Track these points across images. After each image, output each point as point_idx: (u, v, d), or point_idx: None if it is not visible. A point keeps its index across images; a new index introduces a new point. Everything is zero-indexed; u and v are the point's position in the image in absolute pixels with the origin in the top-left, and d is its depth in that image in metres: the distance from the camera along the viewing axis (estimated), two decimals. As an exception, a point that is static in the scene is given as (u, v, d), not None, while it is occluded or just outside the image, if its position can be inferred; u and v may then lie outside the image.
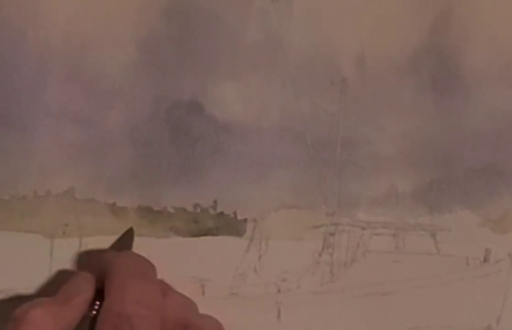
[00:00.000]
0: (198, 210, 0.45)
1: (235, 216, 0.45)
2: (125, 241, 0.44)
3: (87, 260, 0.44)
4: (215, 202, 0.45)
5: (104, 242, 0.44)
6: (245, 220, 0.45)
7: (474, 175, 0.46)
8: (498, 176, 0.47)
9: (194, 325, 0.38)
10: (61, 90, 0.43)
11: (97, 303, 0.39)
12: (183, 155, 0.44)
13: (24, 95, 0.42)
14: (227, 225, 0.45)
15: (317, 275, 0.45)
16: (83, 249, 0.44)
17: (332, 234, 0.46)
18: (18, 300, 0.43)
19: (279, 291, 0.45)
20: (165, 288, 0.40)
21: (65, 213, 0.44)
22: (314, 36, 0.44)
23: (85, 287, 0.39)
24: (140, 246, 0.44)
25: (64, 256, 0.44)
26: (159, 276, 0.44)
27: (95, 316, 0.39)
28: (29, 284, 0.44)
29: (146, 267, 0.40)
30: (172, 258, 0.45)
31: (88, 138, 0.43)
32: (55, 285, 0.42)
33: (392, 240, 0.46)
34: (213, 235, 0.45)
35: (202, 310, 0.40)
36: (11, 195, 0.43)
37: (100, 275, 0.39)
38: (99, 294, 0.39)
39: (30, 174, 0.43)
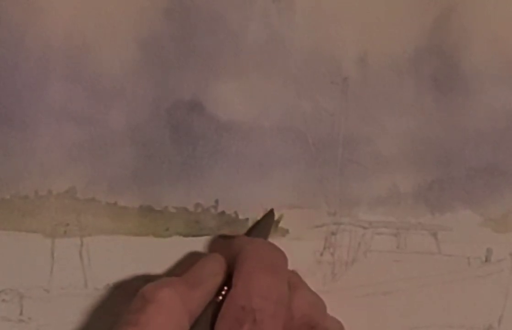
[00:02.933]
0: (199, 209, 0.45)
1: (237, 216, 0.45)
2: (265, 224, 0.44)
3: (220, 243, 0.43)
4: (216, 201, 0.45)
5: (105, 241, 0.44)
6: (247, 220, 0.45)
7: (475, 175, 0.46)
8: (500, 176, 0.47)
9: (321, 326, 0.38)
10: (62, 89, 0.43)
11: (225, 288, 0.39)
12: (184, 155, 0.44)
13: (25, 94, 0.42)
14: (229, 224, 0.45)
15: (319, 275, 0.45)
16: (84, 249, 0.44)
17: (334, 234, 0.46)
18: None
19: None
20: (295, 282, 0.39)
21: (66, 213, 0.44)
22: (315, 35, 0.44)
23: (216, 271, 0.39)
24: (141, 245, 0.44)
25: (65, 255, 0.44)
26: (161, 276, 0.44)
27: (221, 302, 0.38)
28: (30, 284, 0.44)
29: (277, 259, 0.39)
30: (173, 258, 0.45)
31: (89, 138, 0.43)
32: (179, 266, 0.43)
33: (393, 240, 0.46)
34: (214, 234, 0.45)
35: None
36: (12, 194, 0.43)
37: (231, 260, 0.39)
38: (228, 279, 0.39)
39: (31, 173, 0.43)
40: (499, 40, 0.46)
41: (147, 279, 0.44)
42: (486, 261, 0.47)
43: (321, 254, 0.46)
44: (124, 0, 0.43)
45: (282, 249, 0.44)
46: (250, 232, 0.45)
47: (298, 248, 0.45)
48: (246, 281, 0.37)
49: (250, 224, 0.45)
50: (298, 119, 0.45)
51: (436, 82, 0.46)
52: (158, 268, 0.44)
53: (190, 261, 0.43)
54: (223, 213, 0.45)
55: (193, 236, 0.45)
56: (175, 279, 0.38)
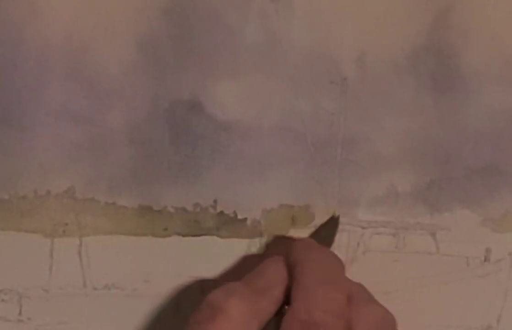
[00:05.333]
0: (198, 209, 0.45)
1: (235, 216, 0.45)
2: (328, 229, 0.44)
3: (277, 247, 0.43)
4: (215, 201, 0.45)
5: (104, 241, 0.44)
6: (245, 219, 0.45)
7: (474, 174, 0.46)
8: (498, 175, 0.47)
9: None
10: (61, 89, 0.43)
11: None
12: (182, 154, 0.44)
13: (24, 94, 0.42)
14: (227, 224, 0.45)
15: (317, 275, 0.45)
16: (83, 248, 0.44)
17: (333, 234, 0.46)
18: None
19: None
20: (362, 296, 0.39)
21: (65, 213, 0.44)
22: (314, 35, 0.44)
23: (282, 276, 0.38)
24: (140, 245, 0.44)
25: (64, 255, 0.44)
26: (160, 276, 0.44)
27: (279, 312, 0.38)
28: (29, 283, 0.44)
29: (336, 270, 0.39)
30: (172, 258, 0.45)
31: (88, 138, 0.43)
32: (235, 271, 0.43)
33: (392, 239, 0.46)
34: (213, 234, 0.45)
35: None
36: (11, 194, 0.43)
37: (288, 268, 0.38)
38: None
39: (30, 173, 0.43)
40: (498, 40, 0.46)
41: (146, 278, 0.45)
42: (485, 261, 0.47)
43: (320, 254, 0.46)
44: (123, 0, 0.43)
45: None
46: (314, 235, 0.44)
47: (297, 248, 0.45)
48: (305, 294, 0.37)
49: (248, 223, 0.45)
50: (297, 119, 0.45)
51: (435, 82, 0.45)
52: (157, 267, 0.45)
53: (246, 263, 0.44)
54: (222, 212, 0.45)
55: (192, 236, 0.45)
56: (243, 287, 0.37)
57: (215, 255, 0.45)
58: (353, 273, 0.46)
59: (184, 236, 0.45)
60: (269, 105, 0.45)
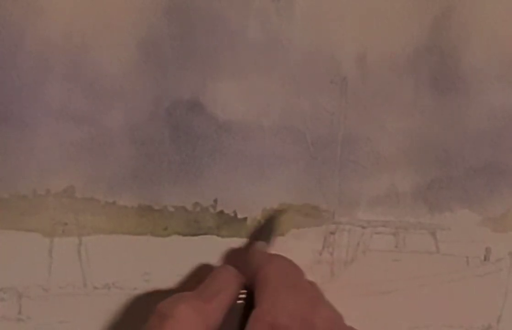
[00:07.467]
0: (198, 209, 0.45)
1: (235, 215, 0.45)
2: (269, 225, 0.44)
3: (235, 255, 0.44)
4: (215, 201, 0.45)
5: (104, 241, 0.44)
6: (245, 219, 0.45)
7: (474, 174, 0.46)
8: (499, 175, 0.47)
9: None
10: (61, 89, 0.43)
11: (244, 291, 0.40)
12: (183, 154, 0.44)
13: (24, 93, 0.42)
14: (227, 224, 0.45)
15: (318, 274, 0.45)
16: (83, 248, 0.44)
17: (333, 233, 0.46)
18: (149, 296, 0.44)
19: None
20: (315, 298, 0.40)
21: (64, 212, 0.44)
22: (314, 35, 0.44)
23: (230, 283, 0.40)
24: (140, 245, 0.44)
25: (63, 255, 0.44)
26: (160, 275, 0.44)
27: (242, 305, 0.39)
28: (29, 283, 0.44)
29: (298, 275, 0.40)
30: (172, 257, 0.45)
31: (88, 137, 0.43)
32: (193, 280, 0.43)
33: (392, 239, 0.46)
34: (213, 234, 0.45)
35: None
36: (11, 193, 0.43)
37: (249, 274, 0.40)
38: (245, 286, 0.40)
39: (30, 173, 0.43)
40: (498, 39, 0.46)
41: (146, 278, 0.45)
42: (485, 260, 0.47)
43: (320, 254, 0.46)
44: (123, 0, 0.43)
45: (281, 248, 0.45)
46: (256, 236, 0.45)
47: (297, 247, 0.45)
48: (272, 299, 0.38)
49: (248, 223, 0.45)
50: (297, 119, 0.45)
51: (435, 81, 0.46)
52: (157, 267, 0.45)
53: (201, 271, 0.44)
54: (221, 212, 0.45)
55: (192, 235, 0.45)
56: (189, 294, 0.38)
57: (215, 255, 0.45)
58: (353, 273, 0.46)
59: (184, 235, 0.45)
60: (269, 105, 0.45)
